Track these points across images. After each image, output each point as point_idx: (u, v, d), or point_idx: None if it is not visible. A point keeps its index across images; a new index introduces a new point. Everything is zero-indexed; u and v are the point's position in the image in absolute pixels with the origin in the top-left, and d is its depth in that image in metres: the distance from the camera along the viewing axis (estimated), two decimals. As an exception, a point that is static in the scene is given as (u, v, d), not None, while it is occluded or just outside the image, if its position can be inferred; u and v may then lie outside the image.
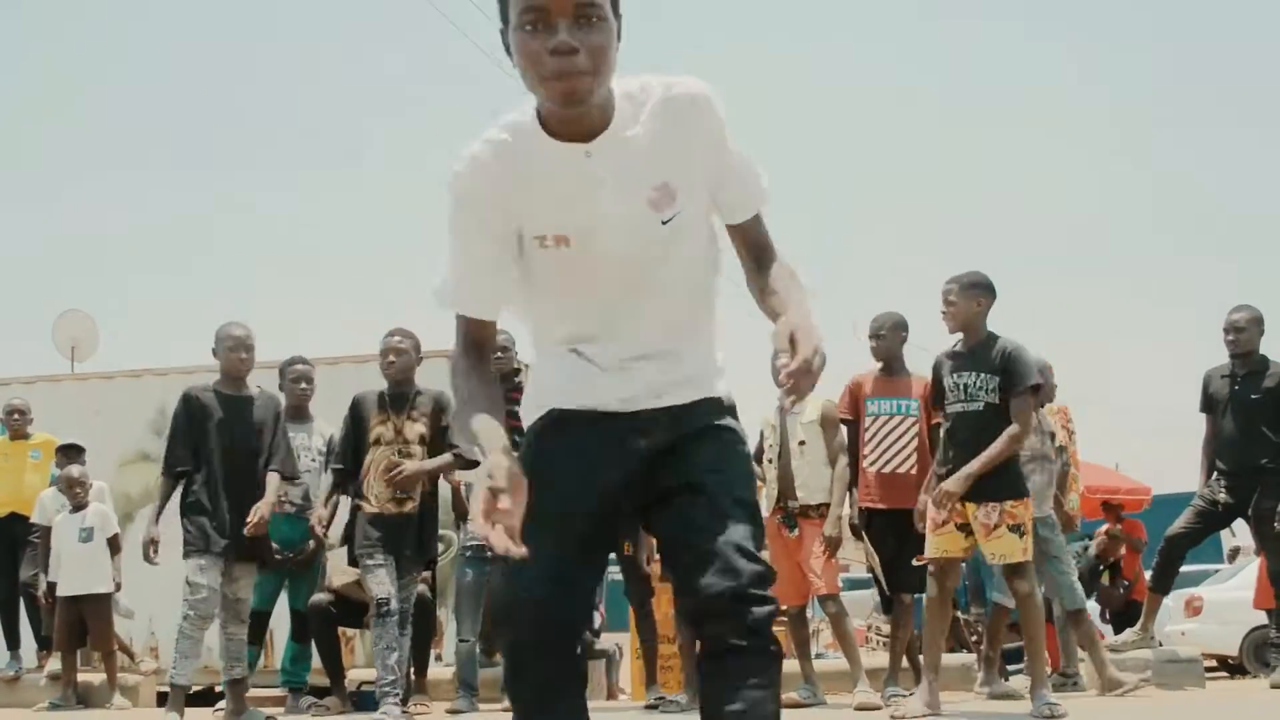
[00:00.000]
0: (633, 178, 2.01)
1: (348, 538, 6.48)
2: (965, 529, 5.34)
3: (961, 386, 5.38)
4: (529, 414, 2.19)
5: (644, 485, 2.08)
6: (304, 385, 6.77)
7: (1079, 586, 6.45)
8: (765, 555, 2.03)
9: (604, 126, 1.99)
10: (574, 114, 1.96)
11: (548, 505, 1.92)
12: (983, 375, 5.33)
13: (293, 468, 6.13)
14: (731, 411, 2.15)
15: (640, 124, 2.01)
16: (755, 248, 2.16)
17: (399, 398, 5.92)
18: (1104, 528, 10.64)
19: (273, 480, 5.84)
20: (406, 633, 5.93)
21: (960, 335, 5.49)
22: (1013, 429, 5.29)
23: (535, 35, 1.88)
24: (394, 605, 5.68)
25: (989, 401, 5.32)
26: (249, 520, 5.63)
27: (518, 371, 6.33)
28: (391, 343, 5.96)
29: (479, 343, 2.10)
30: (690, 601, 1.98)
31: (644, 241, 2.03)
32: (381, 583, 5.67)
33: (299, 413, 6.75)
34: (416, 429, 5.87)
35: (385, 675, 5.64)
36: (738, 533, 1.96)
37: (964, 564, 5.84)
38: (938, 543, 5.38)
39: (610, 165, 2.00)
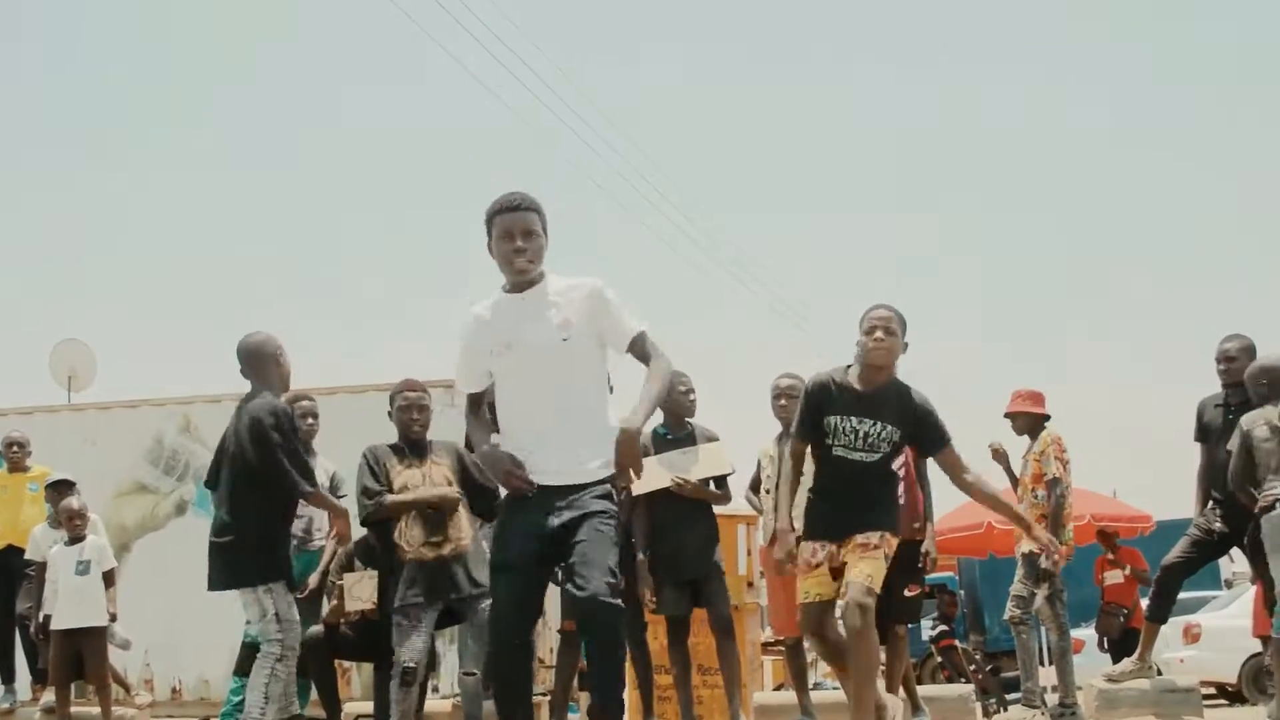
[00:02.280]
0: (546, 312, 3.81)
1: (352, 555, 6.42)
2: (836, 572, 4.92)
3: (861, 435, 4.84)
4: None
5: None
6: (310, 421, 6.77)
7: None
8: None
9: (535, 286, 3.86)
10: (521, 282, 3.84)
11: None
12: (887, 427, 4.84)
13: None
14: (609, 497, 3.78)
15: (557, 290, 3.85)
16: (639, 358, 3.89)
17: (417, 445, 5.92)
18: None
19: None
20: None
21: (856, 370, 4.95)
22: (984, 480, 5.05)
23: (505, 242, 3.80)
24: (420, 673, 5.62)
25: (886, 453, 4.88)
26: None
27: None
28: (413, 398, 5.93)
29: (476, 402, 4.04)
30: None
31: (552, 349, 3.77)
32: (413, 647, 5.56)
33: (304, 448, 6.72)
34: (442, 471, 5.86)
35: None
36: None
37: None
38: (806, 586, 4.97)
39: (534, 305, 3.82)
